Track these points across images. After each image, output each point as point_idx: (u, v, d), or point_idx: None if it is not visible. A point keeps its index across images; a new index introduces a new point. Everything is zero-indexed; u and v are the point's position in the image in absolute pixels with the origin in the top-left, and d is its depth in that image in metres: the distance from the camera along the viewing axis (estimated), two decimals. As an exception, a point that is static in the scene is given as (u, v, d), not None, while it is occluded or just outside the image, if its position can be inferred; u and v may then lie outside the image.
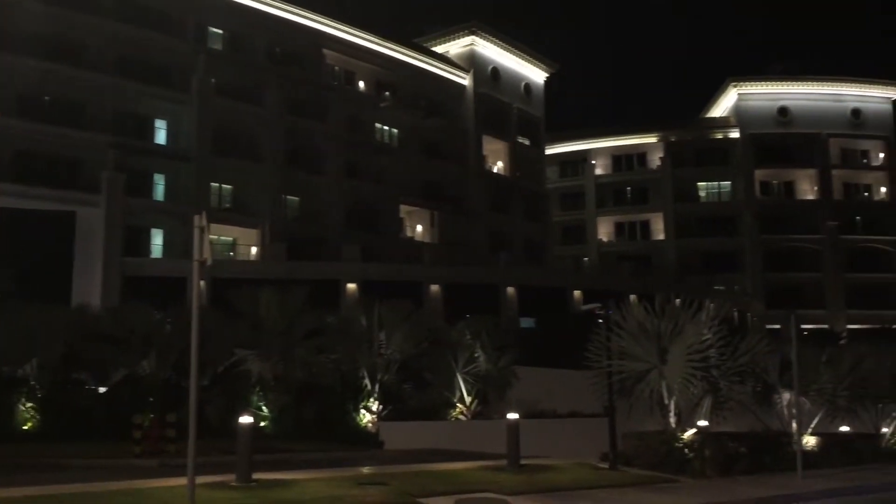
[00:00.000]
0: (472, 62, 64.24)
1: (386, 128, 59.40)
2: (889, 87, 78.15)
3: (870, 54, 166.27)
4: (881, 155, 77.81)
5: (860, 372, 20.58)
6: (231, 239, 50.20)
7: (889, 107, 78.29)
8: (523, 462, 16.48)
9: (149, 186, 47.35)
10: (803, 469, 16.85)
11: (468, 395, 24.00)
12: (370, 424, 22.62)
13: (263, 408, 22.34)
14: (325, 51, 55.76)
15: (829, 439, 20.12)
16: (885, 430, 21.62)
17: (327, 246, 50.09)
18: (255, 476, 13.40)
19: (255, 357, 22.88)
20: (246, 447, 13.31)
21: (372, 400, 22.89)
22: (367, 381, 22.94)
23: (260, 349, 22.90)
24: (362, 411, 22.82)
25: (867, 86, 77.77)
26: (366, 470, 16.15)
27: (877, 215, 76.06)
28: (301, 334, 22.98)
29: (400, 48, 60.15)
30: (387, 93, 58.84)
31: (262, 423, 21.69)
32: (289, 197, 52.40)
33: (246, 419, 13.55)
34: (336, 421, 22.33)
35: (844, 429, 21.58)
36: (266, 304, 23.20)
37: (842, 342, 35.21)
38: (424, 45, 63.86)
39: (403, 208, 57.73)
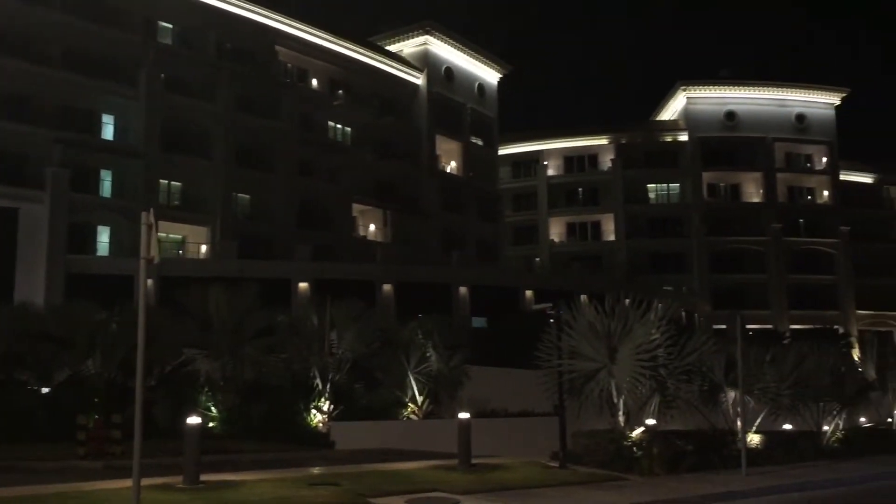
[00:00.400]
0: (425, 62, 64.25)
1: (339, 126, 59.08)
2: (832, 93, 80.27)
3: (814, 60, 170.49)
4: (824, 159, 79.91)
5: (802, 371, 21.09)
6: (180, 237, 49.46)
7: (832, 112, 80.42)
8: (474, 461, 16.53)
9: (95, 183, 46.38)
10: (747, 466, 17.22)
11: (420, 394, 24.01)
12: (321, 424, 22.46)
13: (212, 408, 22.04)
14: (278, 48, 55.25)
15: (773, 437, 20.60)
16: (826, 427, 22.20)
17: (279, 244, 49.67)
18: (203, 477, 13.21)
19: (204, 356, 22.55)
20: (193, 448, 13.11)
21: (323, 400, 22.73)
22: (318, 381, 22.78)
23: (209, 348, 22.58)
24: (313, 411, 22.64)
25: (811, 92, 79.78)
26: (316, 470, 16.04)
27: (819, 218, 78.09)
28: (251, 333, 22.71)
29: (353, 46, 59.87)
30: (340, 91, 58.52)
31: (211, 424, 21.41)
32: (240, 195, 51.81)
33: (193, 419, 13.35)
34: (286, 421, 22.12)
35: (787, 427, 22.12)
36: (215, 302, 22.87)
37: (785, 342, 36.03)
38: (378, 43, 63.65)
39: (356, 207, 57.48)
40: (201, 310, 22.84)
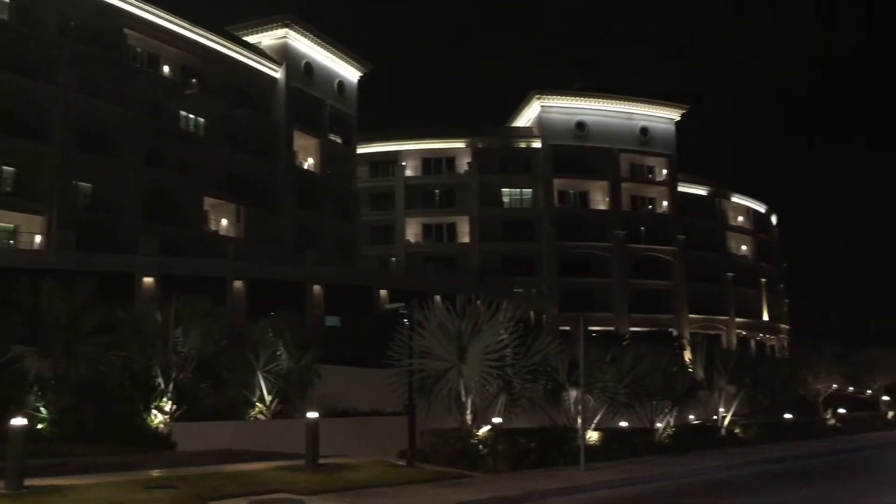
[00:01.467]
0: (284, 55, 63.04)
1: (192, 116, 56.96)
2: (672, 109, 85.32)
3: (660, 76, 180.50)
4: (664, 171, 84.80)
5: (638, 371, 22.25)
6: (12, 226, 46.15)
7: (672, 127, 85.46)
8: (322, 461, 16.39)
9: (-87, 164, 42.51)
10: (586, 462, 17.98)
11: (268, 393, 23.50)
12: (162, 425, 21.55)
13: (42, 409, 20.63)
14: (127, 30, 52.54)
15: (610, 434, 21.62)
16: (658, 424, 23.52)
17: (123, 237, 47.25)
18: (29, 482, 12.41)
19: (34, 354, 21.12)
20: (17, 451, 12.29)
21: (165, 400, 21.80)
22: (160, 380, 21.83)
23: (39, 345, 21.17)
24: (154, 411, 21.67)
25: (654, 106, 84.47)
26: (154, 473, 15.39)
27: (659, 227, 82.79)
28: (87, 330, 21.48)
29: (208, 34, 57.85)
30: (193, 80, 56.39)
31: (40, 426, 20.07)
32: (81, 183, 48.93)
33: (18, 421, 12.51)
34: (124, 422, 21.05)
35: (624, 424, 23.26)
36: (48, 296, 21.48)
37: (625, 343, 37.93)
38: (236, 34, 61.85)
39: (208, 201, 55.62)
40: (32, 304, 21.39)
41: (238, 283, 46.11)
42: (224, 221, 57.47)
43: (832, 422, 32.00)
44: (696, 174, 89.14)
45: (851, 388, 41.31)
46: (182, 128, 56.05)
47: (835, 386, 36.45)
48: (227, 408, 23.14)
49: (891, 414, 36.67)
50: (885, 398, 38.84)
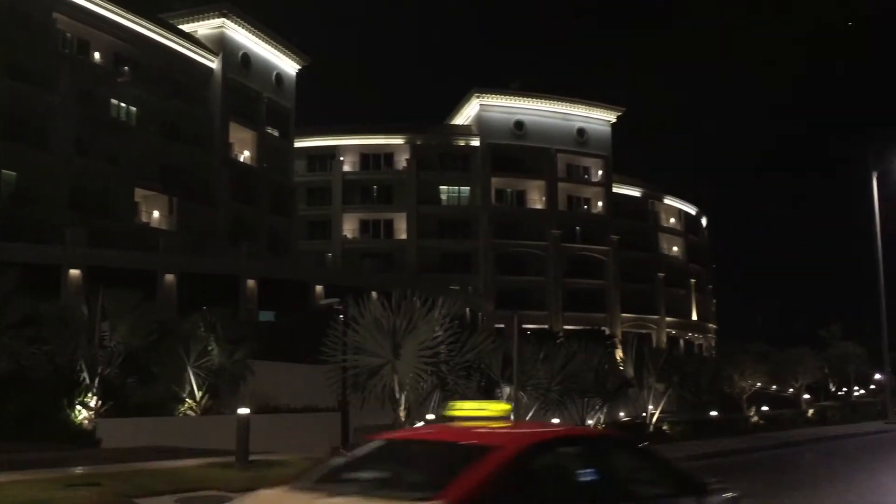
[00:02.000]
0: (221, 45, 61.91)
1: (123, 105, 55.43)
2: (609, 111, 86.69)
3: (597, 78, 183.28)
4: (600, 172, 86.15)
5: (570, 369, 22.58)
6: (-71, 214, 44.26)
7: (608, 129, 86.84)
8: (253, 458, 16.15)
9: None
10: (517, 458, 18.14)
11: (199, 389, 23.14)
12: (86, 421, 21.01)
13: (-42, 404, 19.93)
14: (57, 14, 50.86)
15: (542, 430, 21.87)
16: (589, 422, 23.91)
17: (49, 228, 45.73)
18: (-58, 481, 11.92)
19: (-49, 348, 20.35)
20: (-68, 449, 11.79)
21: (90, 395, 21.27)
22: (85, 375, 21.28)
23: (-43, 339, 20.40)
24: (78, 407, 21.13)
25: (591, 108, 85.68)
26: (78, 470, 14.98)
27: (593, 227, 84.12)
28: (9, 323, 20.78)
29: (142, 21, 56.35)
30: (125, 67, 54.93)
31: (-43, 422, 19.37)
32: (4, 171, 47.18)
33: (-67, 417, 12.01)
34: (47, 418, 20.49)
35: (555, 421, 23.56)
36: (-34, 288, 20.71)
37: (558, 341, 38.42)
38: (171, 21, 60.45)
39: (139, 192, 54.27)
40: (-50, 296, 20.60)
41: (169, 277, 45.20)
42: (156, 213, 56.18)
43: (755, 419, 33.04)
44: (631, 175, 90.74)
45: (774, 387, 42.72)
46: (113, 116, 54.56)
47: (759, 384, 37.61)
48: (156, 404, 22.73)
49: (811, 412, 38.04)
50: (806, 396, 40.27)
